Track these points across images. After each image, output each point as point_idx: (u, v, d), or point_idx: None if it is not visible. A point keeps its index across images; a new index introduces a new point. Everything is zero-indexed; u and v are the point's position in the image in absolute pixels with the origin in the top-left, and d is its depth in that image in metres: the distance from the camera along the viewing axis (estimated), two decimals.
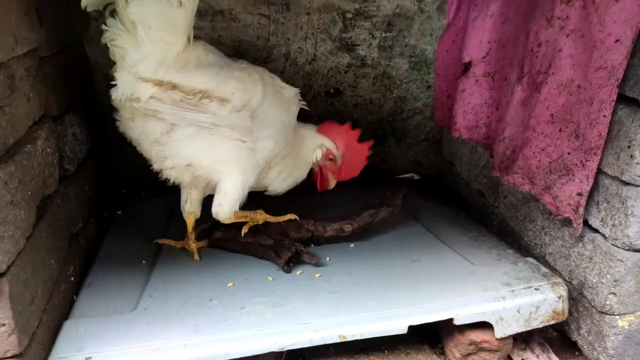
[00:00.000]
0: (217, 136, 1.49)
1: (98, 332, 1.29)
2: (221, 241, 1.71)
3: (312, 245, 1.77)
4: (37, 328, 1.18)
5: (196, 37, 1.52)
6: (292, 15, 2.16)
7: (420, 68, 2.36)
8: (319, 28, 2.21)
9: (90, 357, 1.21)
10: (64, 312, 1.39)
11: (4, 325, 1.04)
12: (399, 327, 1.36)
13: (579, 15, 1.46)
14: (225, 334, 1.30)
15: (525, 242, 1.83)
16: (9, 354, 1.07)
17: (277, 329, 1.32)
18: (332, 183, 1.90)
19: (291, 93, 1.72)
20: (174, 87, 1.41)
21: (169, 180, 1.59)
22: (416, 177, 2.49)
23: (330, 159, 1.86)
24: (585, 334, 1.56)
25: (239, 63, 1.63)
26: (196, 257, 1.69)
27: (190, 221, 1.70)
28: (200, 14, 2.08)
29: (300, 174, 1.83)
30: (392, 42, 2.28)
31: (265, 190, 1.78)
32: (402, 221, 1.94)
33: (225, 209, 1.58)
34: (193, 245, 1.70)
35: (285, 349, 1.30)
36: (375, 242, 1.81)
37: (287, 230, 1.73)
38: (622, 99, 1.37)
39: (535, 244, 1.77)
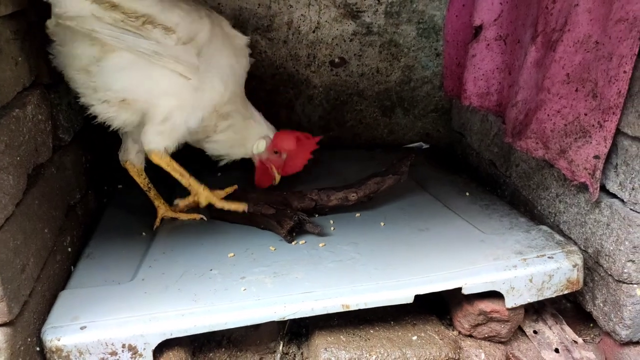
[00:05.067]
0: (157, 67, 1.41)
1: (94, 302, 1.25)
2: (222, 212, 1.66)
3: (317, 215, 1.72)
4: (29, 297, 1.15)
5: None
6: None
7: (429, 35, 2.27)
8: None
9: (85, 327, 1.17)
10: (61, 283, 1.35)
11: None
12: (404, 296, 1.31)
13: None
14: (224, 304, 1.26)
15: (538, 211, 1.76)
16: None
17: (278, 299, 1.27)
18: (277, 178, 1.83)
19: (241, 42, 1.65)
20: (114, 6, 1.32)
21: (98, 118, 1.48)
22: (425, 146, 2.42)
23: (276, 152, 1.80)
24: (601, 305, 1.49)
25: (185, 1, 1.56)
26: (157, 223, 1.65)
27: (133, 173, 1.64)
28: None
29: (235, 153, 1.78)
30: (399, 7, 2.19)
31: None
32: (409, 190, 1.88)
33: (150, 137, 1.48)
34: (160, 211, 1.66)
35: (286, 318, 1.25)
36: (381, 211, 1.75)
37: (290, 199, 1.68)
38: None
39: (549, 212, 1.70)
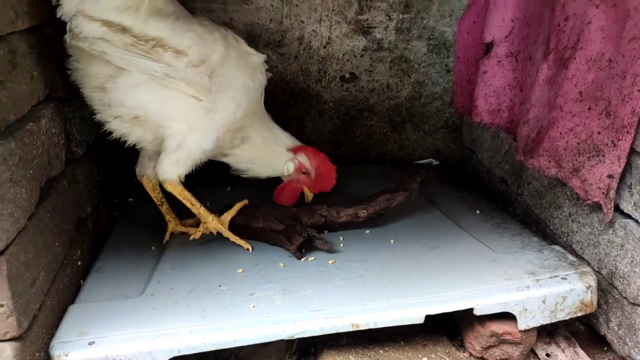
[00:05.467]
0: (169, 89, 1.42)
1: (102, 317, 1.25)
2: (232, 227, 1.66)
3: (326, 232, 1.71)
4: (38, 311, 1.14)
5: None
6: None
7: (440, 51, 2.27)
8: (333, 10, 2.14)
9: (94, 342, 1.16)
10: (70, 296, 1.35)
11: (2, 306, 1.01)
12: (415, 316, 1.29)
13: None
14: (233, 321, 1.25)
15: (550, 231, 1.74)
16: (7, 336, 1.03)
17: (287, 316, 1.26)
18: (310, 196, 1.87)
19: (257, 60, 1.65)
20: (124, 29, 1.33)
21: (113, 134, 1.50)
22: (435, 162, 2.41)
23: (304, 173, 1.83)
24: (615, 328, 1.46)
25: (202, 20, 1.57)
26: (167, 237, 1.66)
27: (148, 187, 1.65)
28: None
29: (261, 171, 1.80)
30: (409, 24, 2.20)
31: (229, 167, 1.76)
32: (419, 207, 1.87)
33: (165, 168, 1.50)
34: (170, 226, 1.68)
35: (295, 337, 1.24)
36: (391, 228, 1.73)
37: (300, 215, 1.67)
38: None
39: (562, 232, 1.68)
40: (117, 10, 1.33)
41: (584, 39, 1.45)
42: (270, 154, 1.78)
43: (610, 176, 1.39)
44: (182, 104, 1.45)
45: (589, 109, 1.45)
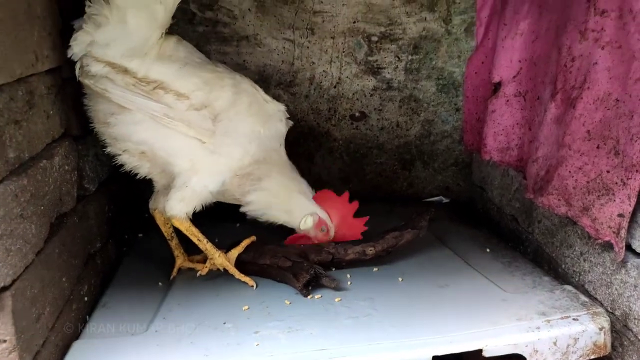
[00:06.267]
0: (169, 129, 1.45)
1: (106, 354, 1.24)
2: (239, 264, 1.66)
3: (333, 269, 1.70)
4: (42, 347, 1.14)
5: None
6: (316, 39, 2.16)
7: (449, 91, 2.30)
8: (344, 52, 2.19)
9: None
10: (75, 332, 1.35)
11: (4, 341, 1.01)
12: (422, 356, 1.26)
13: (615, 26, 1.39)
14: (236, 359, 1.23)
15: (562, 270, 1.71)
16: None
17: (291, 356, 1.24)
18: None
19: (274, 108, 1.66)
20: (125, 71, 1.38)
21: (124, 167, 1.54)
22: (445, 200, 2.40)
23: (322, 231, 1.78)
24: None
25: (217, 66, 1.60)
26: (174, 273, 1.66)
27: (159, 222, 1.66)
28: (225, 39, 2.11)
29: (278, 217, 1.76)
30: (418, 64, 2.24)
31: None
32: (429, 245, 1.85)
33: (172, 204, 1.52)
34: (178, 261, 1.68)
35: None
36: (399, 267, 1.72)
37: (307, 252, 1.67)
38: None
39: (574, 271, 1.65)
40: (123, 56, 1.39)
41: (591, 79, 1.46)
42: (291, 201, 1.74)
43: (620, 215, 1.37)
44: (184, 144, 1.48)
45: (598, 147, 1.45)
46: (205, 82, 1.50)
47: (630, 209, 1.34)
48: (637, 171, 1.31)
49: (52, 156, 1.28)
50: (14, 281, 1.03)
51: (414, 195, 2.43)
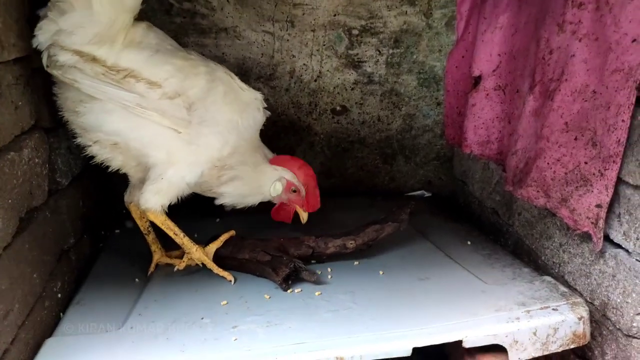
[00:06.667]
0: (143, 118, 1.41)
1: (79, 351, 1.21)
2: (218, 258, 1.63)
3: (314, 262, 1.68)
4: (10, 344, 1.11)
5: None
6: (296, 32, 2.13)
7: (430, 85, 2.29)
8: (324, 45, 2.17)
9: None
10: (48, 330, 1.31)
11: None
12: (402, 348, 1.25)
13: (592, 18, 1.39)
14: (212, 354, 1.21)
15: (542, 261, 1.71)
16: None
17: (270, 349, 1.22)
18: (304, 216, 1.80)
19: (250, 96, 1.62)
20: (94, 59, 1.34)
21: (93, 158, 1.50)
22: (427, 194, 2.40)
23: (294, 191, 1.77)
24: None
25: (190, 54, 1.56)
26: (151, 269, 1.63)
27: (135, 215, 1.63)
28: (203, 31, 2.07)
29: (253, 201, 1.75)
30: (399, 58, 2.23)
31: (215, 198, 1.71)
32: (410, 239, 1.85)
33: (147, 197, 1.49)
34: (155, 257, 1.65)
35: None
36: (380, 260, 1.71)
37: (287, 246, 1.64)
38: None
39: (553, 262, 1.65)
40: (90, 43, 1.34)
41: (569, 71, 1.46)
42: (259, 177, 1.72)
43: (598, 205, 1.37)
44: (159, 134, 1.44)
45: (575, 139, 1.45)
46: (178, 69, 1.45)
47: (608, 199, 1.35)
48: (614, 162, 1.32)
49: (21, 148, 1.24)
50: None
51: (395, 189, 2.42)
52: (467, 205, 2.30)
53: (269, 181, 1.74)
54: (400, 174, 2.42)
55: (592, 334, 1.44)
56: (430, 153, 2.40)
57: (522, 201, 1.82)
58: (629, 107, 1.26)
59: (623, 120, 1.28)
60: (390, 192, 2.41)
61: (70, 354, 1.20)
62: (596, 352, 1.47)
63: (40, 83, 1.40)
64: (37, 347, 1.22)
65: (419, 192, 2.42)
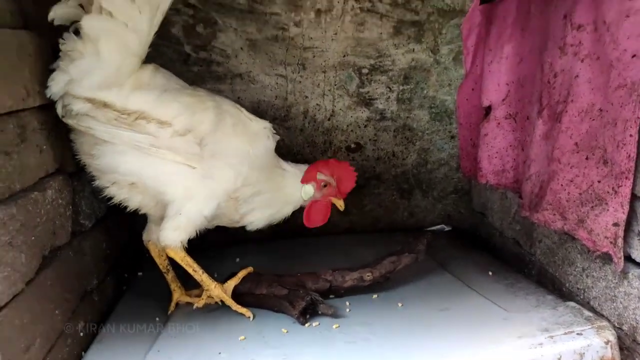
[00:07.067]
0: (156, 157, 1.46)
1: None
2: (236, 295, 1.64)
3: (332, 297, 1.67)
4: None
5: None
6: (308, 74, 2.21)
7: (442, 118, 2.32)
8: (335, 85, 2.24)
9: None
10: None
11: None
12: None
13: (592, 39, 1.42)
14: None
15: (567, 289, 1.67)
16: None
17: None
18: (341, 204, 1.85)
19: (259, 126, 1.67)
20: (105, 105, 1.40)
21: (113, 200, 1.54)
22: (447, 228, 2.38)
23: (325, 185, 1.81)
24: None
25: (196, 90, 1.62)
26: (171, 307, 1.66)
27: (154, 254, 1.66)
28: (219, 77, 2.17)
29: (279, 212, 1.77)
30: (410, 94, 2.28)
31: (243, 226, 1.73)
32: (429, 271, 1.83)
33: (166, 233, 1.52)
34: (175, 295, 1.68)
35: None
36: (399, 293, 1.69)
37: (304, 280, 1.65)
38: None
39: (578, 288, 1.61)
40: (99, 88, 1.40)
41: (574, 92, 1.48)
42: (284, 192, 1.76)
43: (615, 224, 1.35)
44: (173, 171, 1.49)
45: (587, 158, 1.45)
46: (186, 106, 1.51)
47: (624, 216, 1.32)
48: (626, 178, 1.30)
49: (45, 189, 1.31)
50: (1, 308, 1.03)
51: (415, 224, 2.41)
52: (489, 237, 2.27)
53: (296, 190, 1.78)
54: (418, 209, 2.41)
55: None
56: (448, 187, 2.40)
57: (542, 228, 1.79)
58: (635, 121, 1.26)
59: (631, 135, 1.27)
60: (410, 228, 2.40)
61: None
62: None
63: (64, 130, 1.48)
64: None
65: (438, 227, 2.41)
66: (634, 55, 1.27)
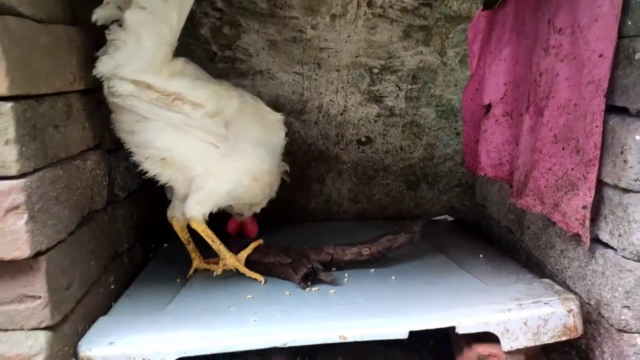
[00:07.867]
0: (189, 135, 1.67)
1: (125, 326, 1.44)
2: (248, 263, 1.85)
3: (334, 269, 1.86)
4: (70, 312, 1.35)
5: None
6: (323, 72, 2.41)
7: (448, 116, 2.49)
8: (348, 82, 2.44)
9: (113, 342, 1.35)
10: (101, 312, 1.55)
11: (39, 297, 1.23)
12: (399, 331, 1.40)
13: (570, 41, 1.57)
14: (234, 330, 1.41)
15: (548, 270, 1.81)
16: (42, 325, 1.24)
17: (282, 328, 1.41)
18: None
19: (274, 117, 1.91)
20: (148, 86, 1.60)
21: (147, 174, 1.75)
22: (450, 218, 2.53)
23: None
24: (609, 359, 1.49)
25: (221, 81, 1.85)
26: (191, 272, 1.87)
27: (177, 228, 1.88)
28: (242, 74, 2.40)
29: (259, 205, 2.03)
30: (418, 93, 2.46)
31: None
32: (427, 253, 1.99)
33: (190, 206, 1.73)
34: (195, 263, 1.89)
35: (288, 345, 1.37)
36: (395, 269, 1.86)
37: (308, 252, 1.84)
38: (614, 109, 1.43)
39: (557, 269, 1.75)
40: (142, 72, 1.62)
41: (554, 89, 1.63)
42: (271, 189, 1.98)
43: (584, 207, 1.50)
44: (200, 149, 1.70)
45: (563, 148, 1.60)
46: (215, 92, 1.73)
47: (591, 200, 1.47)
48: (593, 165, 1.45)
49: (86, 160, 1.54)
50: (48, 249, 1.26)
51: (420, 215, 2.57)
52: (488, 227, 2.42)
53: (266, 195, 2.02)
54: (424, 200, 2.58)
55: (592, 335, 1.53)
56: (453, 180, 2.56)
57: (530, 215, 1.94)
58: (600, 113, 1.41)
59: (597, 126, 1.43)
60: (416, 217, 2.55)
61: (118, 328, 1.43)
62: (597, 352, 1.54)
63: (103, 113, 1.72)
64: (91, 322, 1.46)
65: (442, 217, 2.56)
66: (600, 55, 1.42)
